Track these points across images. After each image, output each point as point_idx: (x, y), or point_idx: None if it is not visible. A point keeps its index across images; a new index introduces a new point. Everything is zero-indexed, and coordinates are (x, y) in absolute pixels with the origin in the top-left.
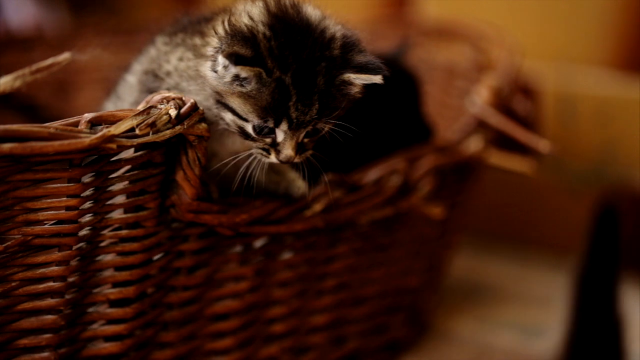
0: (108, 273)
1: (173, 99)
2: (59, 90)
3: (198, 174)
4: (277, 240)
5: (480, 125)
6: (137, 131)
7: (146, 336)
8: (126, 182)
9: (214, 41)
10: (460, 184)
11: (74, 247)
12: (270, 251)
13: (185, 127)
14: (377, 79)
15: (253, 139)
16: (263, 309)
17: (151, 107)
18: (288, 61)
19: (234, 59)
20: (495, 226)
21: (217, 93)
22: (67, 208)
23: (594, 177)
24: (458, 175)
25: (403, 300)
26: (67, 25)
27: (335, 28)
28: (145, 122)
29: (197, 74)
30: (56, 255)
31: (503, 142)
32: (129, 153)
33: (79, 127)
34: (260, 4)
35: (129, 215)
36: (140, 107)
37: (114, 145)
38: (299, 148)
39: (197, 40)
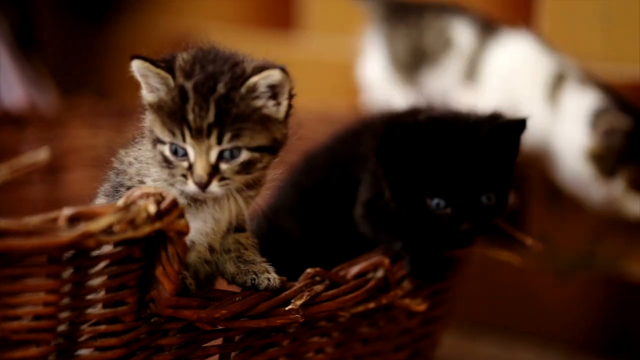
0: None
1: (153, 194)
2: (49, 170)
3: (177, 269)
4: (258, 334)
5: None
6: (116, 228)
7: None
8: (105, 277)
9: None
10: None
11: (52, 343)
12: (251, 345)
13: (164, 223)
14: (276, 72)
15: (172, 165)
16: None
17: (131, 203)
18: (194, 73)
19: (135, 57)
20: (480, 311)
21: (150, 131)
22: (46, 304)
23: (583, 264)
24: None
25: None
26: (56, 106)
27: (249, 57)
28: (125, 218)
29: (148, 150)
30: (34, 350)
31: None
32: (108, 248)
33: (58, 223)
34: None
35: (107, 310)
36: (120, 204)
37: (92, 242)
38: (215, 172)
39: None
